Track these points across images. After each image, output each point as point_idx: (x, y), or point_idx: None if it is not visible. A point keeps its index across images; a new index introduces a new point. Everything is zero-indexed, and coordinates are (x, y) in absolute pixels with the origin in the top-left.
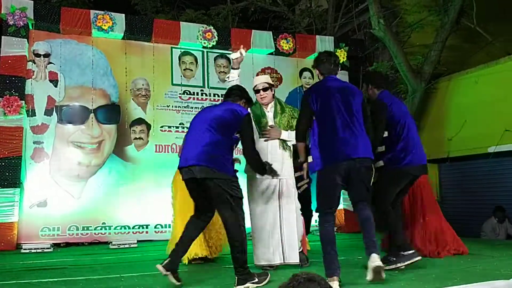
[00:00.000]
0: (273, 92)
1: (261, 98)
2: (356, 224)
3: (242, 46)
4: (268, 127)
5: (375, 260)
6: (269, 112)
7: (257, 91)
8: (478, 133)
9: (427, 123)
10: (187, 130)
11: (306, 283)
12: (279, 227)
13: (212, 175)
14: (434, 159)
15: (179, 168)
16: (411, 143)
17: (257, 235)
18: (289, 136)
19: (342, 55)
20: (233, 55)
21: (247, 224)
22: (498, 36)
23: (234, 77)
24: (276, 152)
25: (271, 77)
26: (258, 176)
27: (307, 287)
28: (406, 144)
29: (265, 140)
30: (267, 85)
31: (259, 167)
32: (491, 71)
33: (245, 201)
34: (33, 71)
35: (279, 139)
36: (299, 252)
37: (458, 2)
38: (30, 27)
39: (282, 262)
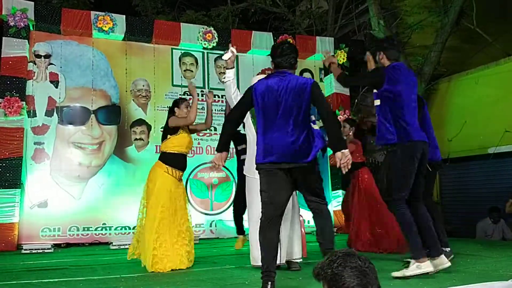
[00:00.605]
0: None
1: None
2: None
3: (231, 44)
4: None
5: None
6: None
7: None
8: (478, 133)
9: None
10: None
11: (345, 257)
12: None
13: None
14: None
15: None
16: None
17: (256, 236)
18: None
19: (342, 56)
20: (225, 56)
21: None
22: (498, 37)
23: (230, 77)
24: None
25: None
26: (256, 176)
27: (346, 261)
28: None
29: None
30: None
31: None
32: (491, 72)
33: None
34: (34, 72)
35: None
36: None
37: (458, 3)
38: (31, 28)
39: (283, 262)
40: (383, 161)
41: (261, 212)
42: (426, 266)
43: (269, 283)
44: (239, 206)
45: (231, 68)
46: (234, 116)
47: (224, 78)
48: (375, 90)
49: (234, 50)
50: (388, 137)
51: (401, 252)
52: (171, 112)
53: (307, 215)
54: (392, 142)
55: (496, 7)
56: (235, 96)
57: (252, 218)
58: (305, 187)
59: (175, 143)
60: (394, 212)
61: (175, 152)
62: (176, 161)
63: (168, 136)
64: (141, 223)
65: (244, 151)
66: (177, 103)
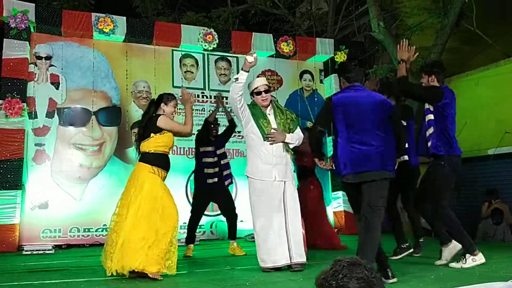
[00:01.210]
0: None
1: (263, 100)
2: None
3: (254, 50)
4: (272, 130)
5: None
6: (270, 114)
7: (258, 93)
8: (478, 135)
9: None
10: None
11: (351, 267)
12: (285, 229)
13: None
14: None
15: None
16: None
17: (263, 238)
18: (292, 139)
19: (342, 58)
20: (249, 58)
21: (249, 226)
22: (498, 39)
23: (243, 80)
24: (281, 155)
25: (271, 80)
26: (264, 178)
27: (352, 271)
28: None
29: (270, 144)
30: (267, 87)
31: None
32: (491, 73)
33: (246, 204)
34: (35, 74)
35: (285, 143)
36: None
37: (458, 4)
38: (32, 30)
39: (289, 262)
40: (428, 170)
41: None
42: (479, 258)
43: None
44: (200, 213)
45: (247, 72)
46: (322, 126)
47: (237, 78)
48: (427, 106)
49: (257, 58)
50: (438, 149)
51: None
52: (154, 107)
53: None
54: (441, 154)
55: (495, 8)
56: (240, 99)
57: (258, 220)
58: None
59: (160, 143)
60: (442, 217)
61: (160, 152)
62: (161, 161)
63: (152, 134)
64: (115, 227)
65: (224, 155)
66: (165, 99)
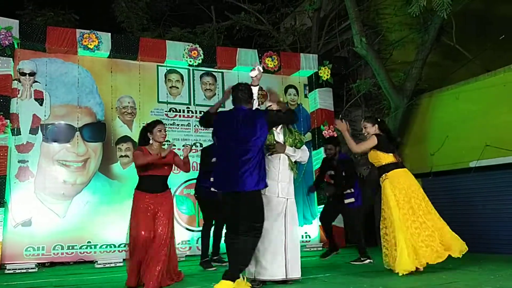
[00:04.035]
0: None
1: None
2: (343, 240)
3: (258, 63)
4: (274, 142)
5: None
6: (280, 133)
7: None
8: (460, 148)
9: (410, 138)
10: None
11: None
12: (284, 245)
13: None
14: (418, 173)
15: None
16: None
17: (262, 251)
18: (294, 151)
19: (326, 73)
20: (252, 73)
21: None
22: (478, 54)
23: (255, 95)
24: (285, 173)
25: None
26: (266, 193)
27: None
28: None
29: (269, 155)
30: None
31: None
32: (471, 87)
33: None
34: (19, 90)
35: (286, 154)
36: None
37: (438, 21)
38: (16, 46)
39: (285, 277)
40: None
41: None
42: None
43: None
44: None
45: (256, 86)
46: None
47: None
48: None
49: (261, 69)
50: None
51: None
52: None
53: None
54: None
55: (474, 24)
56: None
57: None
58: None
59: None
60: None
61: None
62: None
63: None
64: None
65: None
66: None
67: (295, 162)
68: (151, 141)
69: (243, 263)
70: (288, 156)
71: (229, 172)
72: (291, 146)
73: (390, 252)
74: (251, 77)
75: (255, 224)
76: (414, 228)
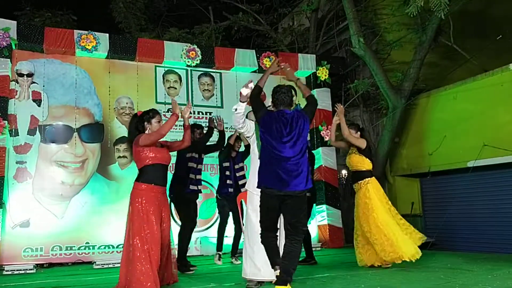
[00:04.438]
0: None
1: None
2: (341, 240)
3: (250, 80)
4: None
5: None
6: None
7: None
8: (458, 147)
9: (408, 138)
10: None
11: None
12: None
13: None
14: (416, 173)
15: None
16: None
17: (252, 251)
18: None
19: (324, 73)
20: (244, 91)
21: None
22: (475, 54)
23: (241, 110)
24: None
25: None
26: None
27: None
28: None
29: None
30: None
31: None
32: (469, 87)
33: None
34: (16, 91)
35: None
36: None
37: (435, 21)
38: (13, 47)
39: (274, 279)
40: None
41: None
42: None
43: None
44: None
45: (244, 102)
46: None
47: (236, 109)
48: None
49: (253, 86)
50: None
51: None
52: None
53: None
54: None
55: (472, 25)
56: (243, 126)
57: (253, 233)
58: None
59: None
60: None
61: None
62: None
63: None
64: None
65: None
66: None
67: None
68: (147, 131)
69: (294, 267)
70: None
71: (281, 172)
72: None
73: (364, 250)
74: (242, 94)
75: (303, 226)
76: (397, 225)
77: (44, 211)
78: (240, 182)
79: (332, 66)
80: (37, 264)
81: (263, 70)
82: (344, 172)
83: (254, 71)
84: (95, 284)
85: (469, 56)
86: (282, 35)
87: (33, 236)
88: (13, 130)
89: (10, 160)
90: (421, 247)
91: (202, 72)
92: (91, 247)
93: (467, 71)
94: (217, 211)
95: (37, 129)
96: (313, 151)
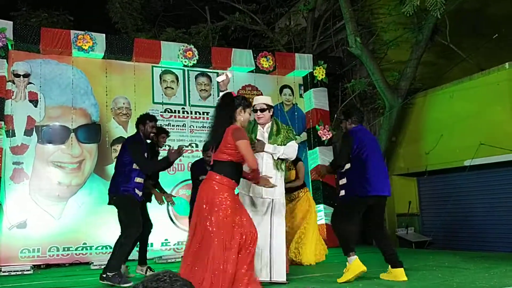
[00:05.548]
0: (271, 114)
1: (258, 118)
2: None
3: (227, 69)
4: (256, 141)
5: None
6: (265, 132)
7: (255, 111)
8: (454, 146)
9: (405, 137)
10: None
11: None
12: (269, 246)
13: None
14: (413, 172)
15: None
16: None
17: None
18: (275, 149)
19: (320, 73)
20: (219, 78)
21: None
22: (472, 53)
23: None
24: (271, 172)
25: (251, 95)
26: (251, 194)
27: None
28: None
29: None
30: (265, 106)
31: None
32: (466, 86)
33: None
34: (13, 92)
35: (266, 152)
36: None
37: (432, 20)
38: (10, 47)
39: (269, 280)
40: None
41: None
42: None
43: None
44: None
45: (223, 91)
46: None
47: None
48: None
49: (229, 74)
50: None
51: None
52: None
53: None
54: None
55: (468, 24)
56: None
57: None
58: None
59: None
60: None
61: None
62: None
63: None
64: None
65: None
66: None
67: (283, 160)
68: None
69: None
70: (272, 155)
71: (383, 178)
72: (281, 145)
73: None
74: (218, 82)
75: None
76: None
77: (41, 211)
78: None
79: (329, 66)
80: (34, 265)
81: (260, 70)
82: None
83: (251, 71)
84: (93, 284)
85: (466, 55)
86: (279, 35)
87: (30, 237)
88: (10, 131)
89: (7, 161)
90: (419, 246)
91: (199, 72)
92: (88, 248)
93: (464, 70)
94: None
95: (34, 129)
96: (309, 151)
